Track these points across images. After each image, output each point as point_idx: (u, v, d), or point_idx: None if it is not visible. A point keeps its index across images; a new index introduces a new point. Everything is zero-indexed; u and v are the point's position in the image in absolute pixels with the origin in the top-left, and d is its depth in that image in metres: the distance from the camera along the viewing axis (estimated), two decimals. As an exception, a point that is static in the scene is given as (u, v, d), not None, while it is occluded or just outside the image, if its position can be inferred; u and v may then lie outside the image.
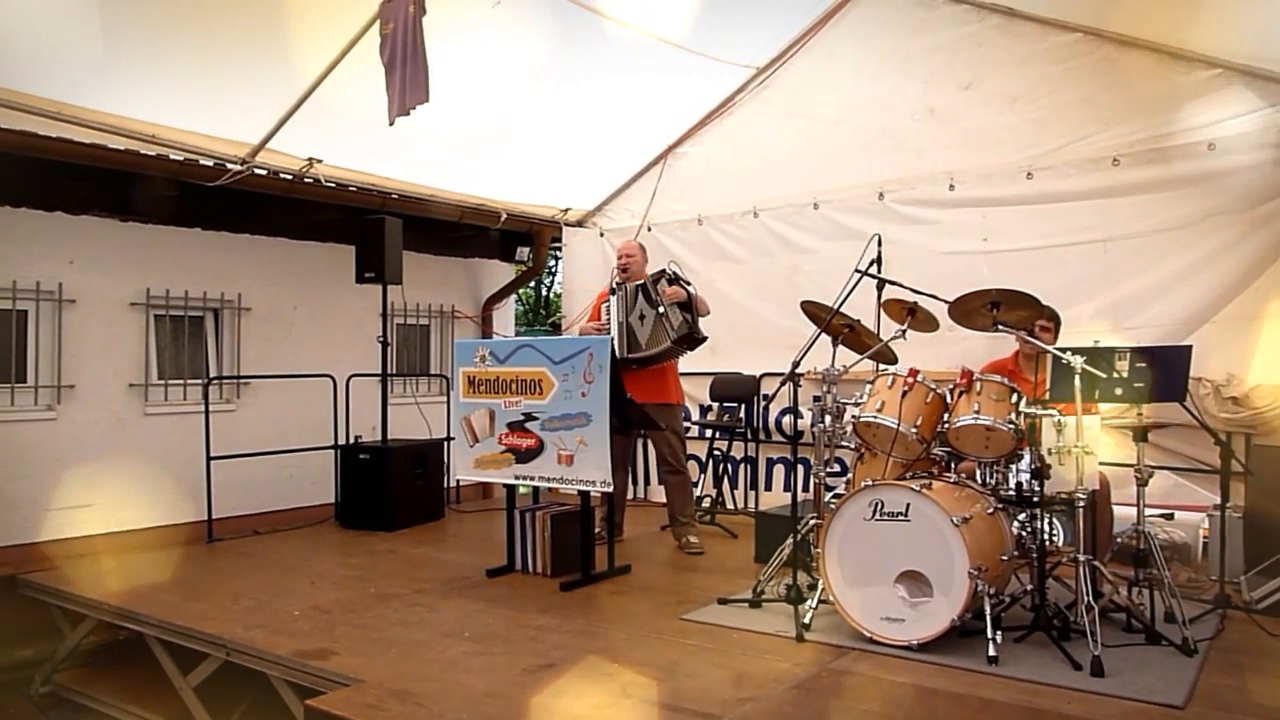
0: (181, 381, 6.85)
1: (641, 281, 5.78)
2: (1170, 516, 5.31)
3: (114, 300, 6.46)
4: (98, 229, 6.36)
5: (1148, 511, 4.24)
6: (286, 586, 5.15)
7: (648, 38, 6.19)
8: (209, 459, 6.40)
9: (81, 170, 5.83)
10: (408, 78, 4.94)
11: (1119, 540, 4.74)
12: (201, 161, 6.19)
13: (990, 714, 3.25)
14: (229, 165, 6.26)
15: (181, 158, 6.10)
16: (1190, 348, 4.27)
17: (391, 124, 5.07)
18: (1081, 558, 3.86)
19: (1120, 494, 4.67)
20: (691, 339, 5.72)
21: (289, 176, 6.62)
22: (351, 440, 7.07)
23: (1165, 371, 4.09)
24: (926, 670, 3.67)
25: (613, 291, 5.86)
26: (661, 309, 5.63)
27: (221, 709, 4.57)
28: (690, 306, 5.68)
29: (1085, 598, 3.77)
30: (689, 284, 5.75)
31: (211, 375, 6.96)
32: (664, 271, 5.77)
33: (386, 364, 7.01)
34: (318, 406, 7.15)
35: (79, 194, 6.19)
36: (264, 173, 6.47)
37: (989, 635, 3.72)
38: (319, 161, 6.63)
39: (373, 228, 6.79)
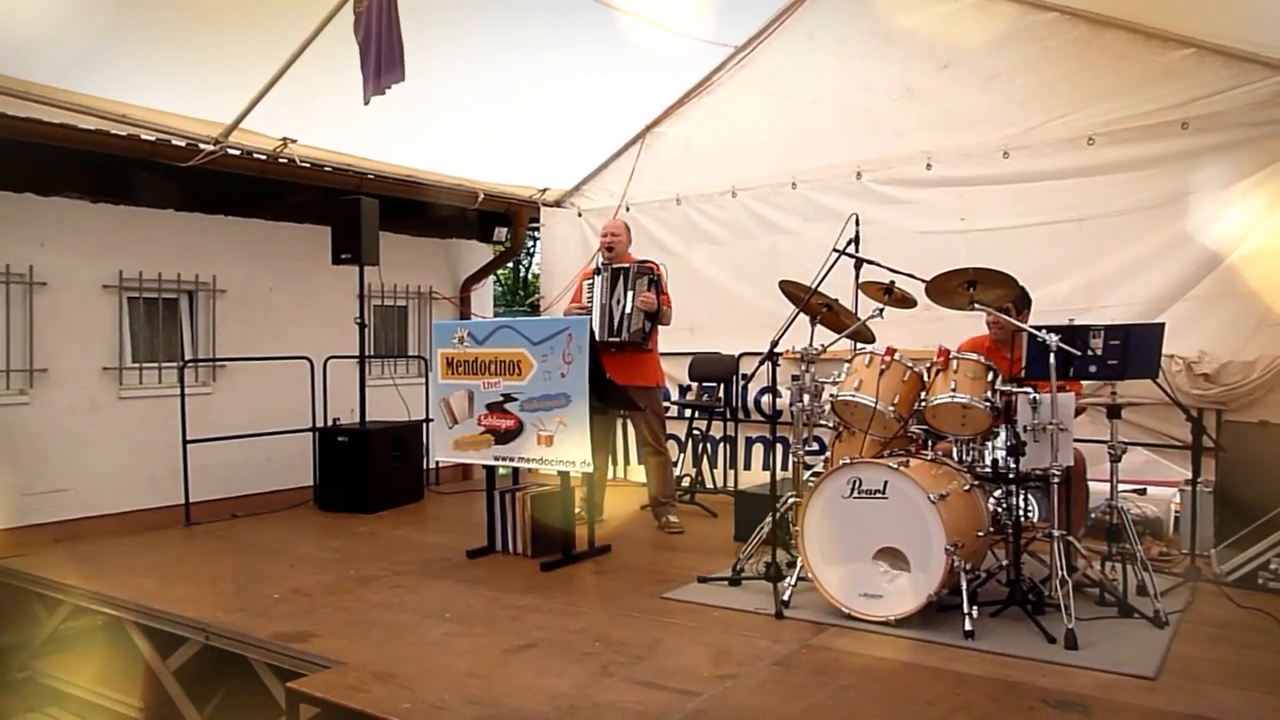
0: (156, 365, 6.78)
1: (626, 267, 5.78)
2: (1143, 492, 5.38)
3: (86, 283, 6.38)
4: (69, 210, 6.27)
5: (1121, 487, 4.30)
6: (266, 570, 5.13)
7: (625, 15, 6.14)
8: (185, 442, 6.35)
9: (51, 151, 5.73)
10: (383, 57, 4.89)
11: (1093, 515, 4.81)
12: (174, 142, 6.11)
13: (967, 687, 3.30)
14: (202, 145, 6.17)
15: (153, 138, 6.02)
16: (1163, 325, 4.31)
17: (367, 103, 5.01)
18: (1056, 533, 3.91)
19: (1095, 470, 4.73)
20: (638, 348, 5.79)
21: (263, 157, 6.55)
22: (329, 423, 7.04)
23: (1138, 349, 4.13)
24: (904, 645, 3.71)
25: (597, 272, 5.87)
26: (628, 309, 5.67)
27: (202, 692, 4.56)
28: (655, 316, 5.74)
29: (1059, 572, 3.83)
30: (666, 291, 5.81)
31: (187, 358, 6.89)
32: (653, 272, 5.78)
33: (364, 346, 6.98)
34: (295, 389, 7.10)
35: (48, 175, 6.09)
36: (237, 153, 6.39)
37: (965, 610, 3.77)
38: (293, 141, 6.54)
39: (349, 208, 6.72)
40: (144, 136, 5.97)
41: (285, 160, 6.64)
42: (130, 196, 6.51)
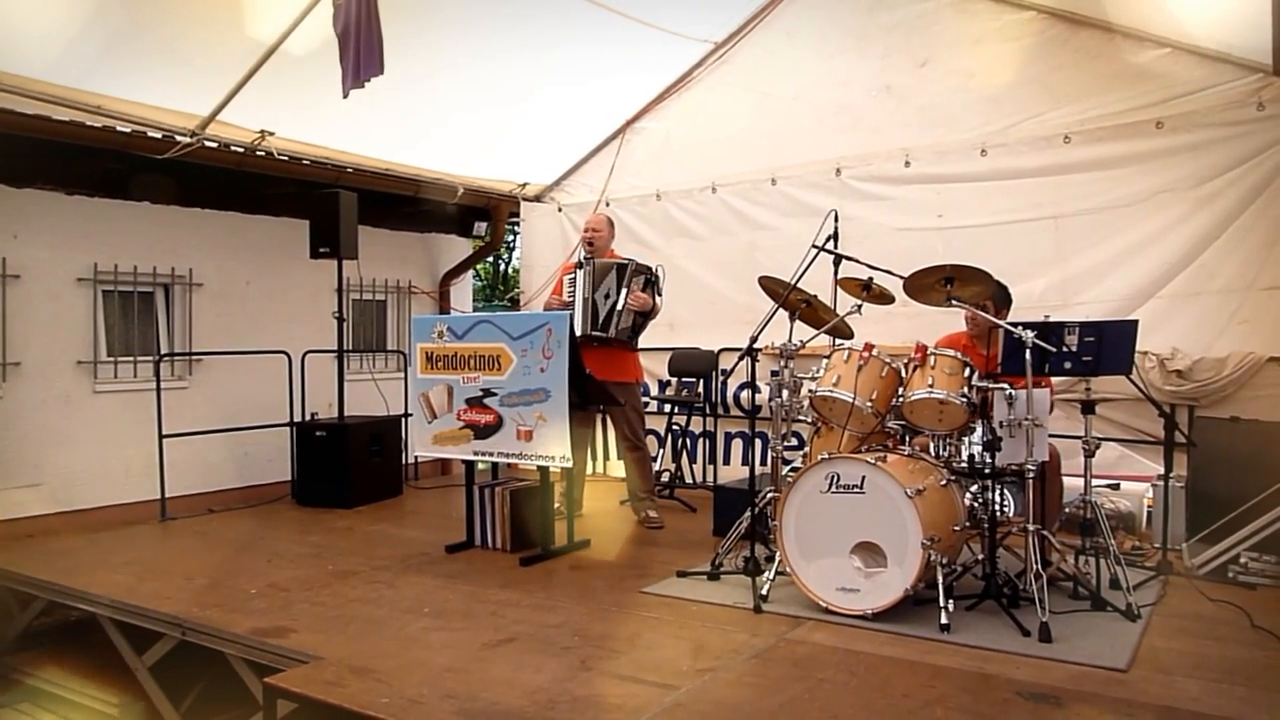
0: (131, 358, 6.72)
1: (623, 263, 5.75)
2: (1116, 486, 5.46)
3: (60, 275, 6.31)
4: (42, 202, 6.20)
5: (1094, 482, 4.36)
6: (243, 565, 5.10)
7: (606, 10, 6.13)
8: (161, 437, 6.30)
9: (24, 142, 5.66)
10: (361, 50, 4.87)
11: (1067, 510, 4.86)
12: (149, 134, 6.06)
13: (942, 680, 3.33)
14: (178, 138, 6.13)
15: (129, 130, 5.96)
16: (1136, 322, 4.37)
17: (345, 97, 4.99)
18: (1031, 527, 3.95)
19: (1069, 465, 4.78)
20: (624, 346, 5.80)
21: (240, 149, 6.50)
22: (307, 417, 7.00)
23: (1112, 346, 4.18)
24: (881, 639, 3.74)
25: (579, 266, 5.85)
26: (620, 306, 5.65)
27: (178, 688, 4.53)
28: (648, 316, 5.74)
29: (1034, 566, 3.87)
30: (660, 294, 5.80)
31: (163, 352, 6.83)
32: (650, 272, 5.78)
33: (342, 340, 6.94)
34: (273, 383, 7.05)
35: (22, 167, 6.02)
36: (214, 145, 6.34)
37: (941, 604, 3.80)
38: (271, 134, 6.50)
39: (327, 202, 6.67)
40: (119, 128, 5.92)
41: (263, 153, 6.59)
42: (105, 189, 6.44)
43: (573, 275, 5.85)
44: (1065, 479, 4.75)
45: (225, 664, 4.05)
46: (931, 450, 4.34)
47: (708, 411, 7.24)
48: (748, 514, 4.55)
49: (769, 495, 4.65)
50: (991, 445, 4.01)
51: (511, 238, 14.12)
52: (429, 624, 4.02)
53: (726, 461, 7.35)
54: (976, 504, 4.21)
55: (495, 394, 5.10)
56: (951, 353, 4.24)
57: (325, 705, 3.19)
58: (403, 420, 7.17)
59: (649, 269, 5.79)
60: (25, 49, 5.16)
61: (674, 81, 7.51)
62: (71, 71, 5.46)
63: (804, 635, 3.82)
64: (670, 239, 7.57)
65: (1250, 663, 3.49)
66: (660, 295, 5.82)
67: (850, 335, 4.80)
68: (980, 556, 4.15)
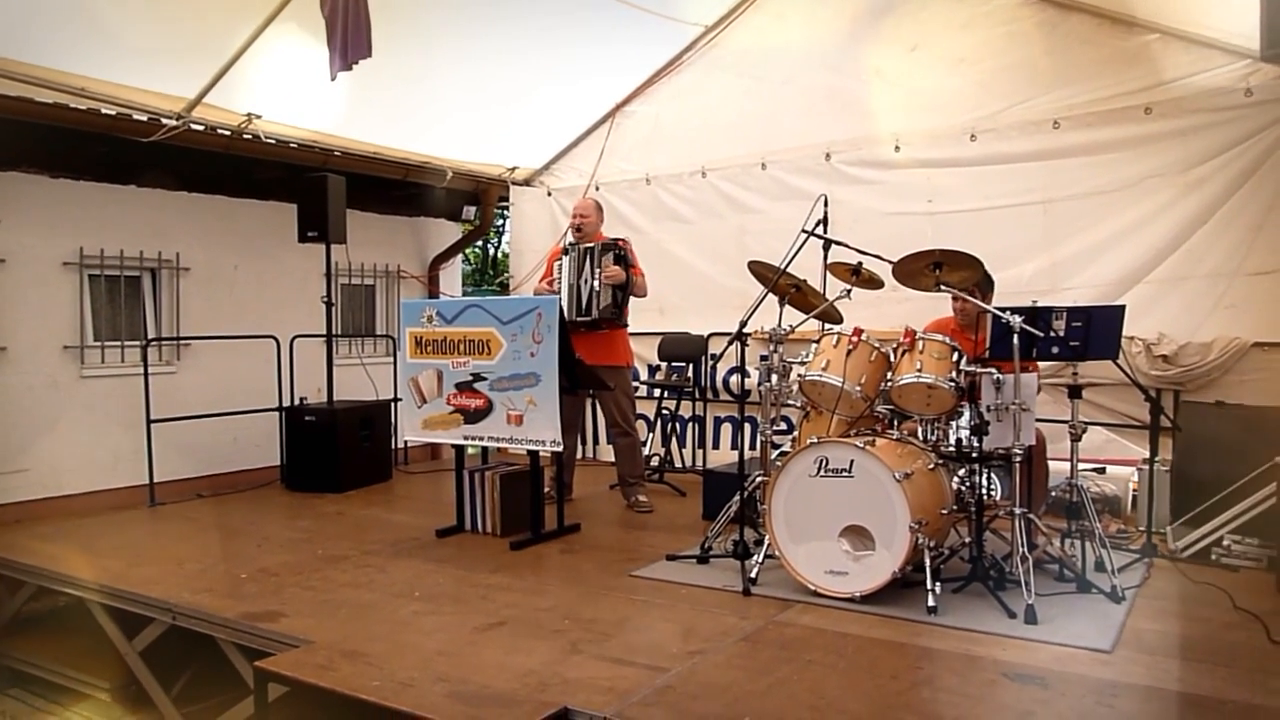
0: (119, 343, 6.68)
1: (592, 246, 5.77)
2: (1102, 470, 5.50)
3: (46, 260, 6.26)
4: (27, 186, 6.14)
5: (1081, 466, 4.39)
6: (233, 550, 5.10)
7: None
8: (149, 422, 6.27)
9: (8, 125, 5.60)
10: (349, 32, 4.84)
11: (1053, 494, 4.90)
12: (135, 116, 6.00)
13: (929, 661, 3.37)
14: (164, 120, 6.07)
15: (114, 112, 5.90)
16: (1124, 307, 4.39)
17: (333, 79, 4.96)
18: (1017, 511, 3.99)
19: (1055, 449, 4.81)
20: (613, 324, 5.77)
21: (227, 132, 6.45)
22: (297, 402, 6.99)
23: (1100, 330, 4.20)
24: (869, 621, 3.77)
25: (565, 252, 5.85)
26: (596, 285, 5.65)
27: (168, 673, 4.53)
28: (625, 288, 5.71)
29: (1020, 549, 3.91)
30: (633, 266, 5.77)
31: (150, 337, 6.79)
32: (615, 245, 5.76)
33: (331, 324, 6.92)
34: (261, 368, 7.03)
35: (6, 149, 5.94)
36: (201, 128, 6.29)
37: (929, 586, 3.83)
38: (258, 117, 6.45)
39: (315, 185, 6.63)
40: (104, 111, 5.85)
41: (250, 136, 6.54)
42: (91, 172, 6.39)
43: (560, 260, 5.86)
44: (1051, 463, 4.79)
45: (216, 648, 4.05)
46: (919, 434, 4.36)
47: (697, 396, 7.26)
48: (737, 498, 4.57)
49: (758, 479, 4.67)
50: (979, 429, 4.04)
51: (501, 222, 14.07)
52: (420, 608, 4.04)
53: (716, 446, 7.37)
54: (964, 487, 4.24)
55: (485, 378, 5.10)
56: (940, 337, 4.26)
57: (316, 689, 3.21)
58: (392, 405, 7.16)
59: (614, 243, 5.78)
60: (6, 30, 5.10)
61: (664, 65, 7.47)
62: (55, 53, 5.40)
63: (792, 618, 3.84)
64: (659, 223, 7.56)
65: (1233, 644, 3.53)
66: (633, 266, 5.79)
67: (839, 320, 4.81)
68: (967, 540, 4.18)
